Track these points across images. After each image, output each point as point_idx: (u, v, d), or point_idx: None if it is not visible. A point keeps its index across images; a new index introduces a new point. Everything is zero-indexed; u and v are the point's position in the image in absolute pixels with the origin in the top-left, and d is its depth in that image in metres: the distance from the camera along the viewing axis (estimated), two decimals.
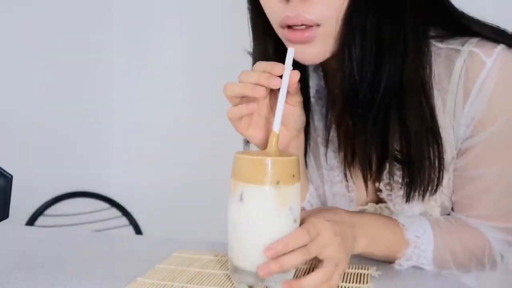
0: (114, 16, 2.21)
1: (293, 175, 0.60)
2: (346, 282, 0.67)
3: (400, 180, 0.72)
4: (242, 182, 0.60)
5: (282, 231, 0.59)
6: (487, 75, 0.67)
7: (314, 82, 0.83)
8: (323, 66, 0.81)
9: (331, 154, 0.83)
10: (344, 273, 0.69)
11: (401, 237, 0.72)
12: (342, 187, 0.83)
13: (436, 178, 0.70)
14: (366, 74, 0.66)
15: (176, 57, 2.16)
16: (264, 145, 0.69)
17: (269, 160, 0.59)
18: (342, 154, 0.76)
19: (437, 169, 0.69)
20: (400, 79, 0.66)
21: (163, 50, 2.18)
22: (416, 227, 0.72)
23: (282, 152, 0.64)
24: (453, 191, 0.76)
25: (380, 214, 0.77)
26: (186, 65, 2.14)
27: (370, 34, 0.65)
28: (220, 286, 0.65)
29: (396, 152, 0.69)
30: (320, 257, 0.61)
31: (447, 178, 0.74)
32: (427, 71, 0.68)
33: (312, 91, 0.83)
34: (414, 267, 0.73)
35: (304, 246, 0.59)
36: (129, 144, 2.28)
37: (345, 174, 0.78)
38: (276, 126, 0.62)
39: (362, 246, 0.69)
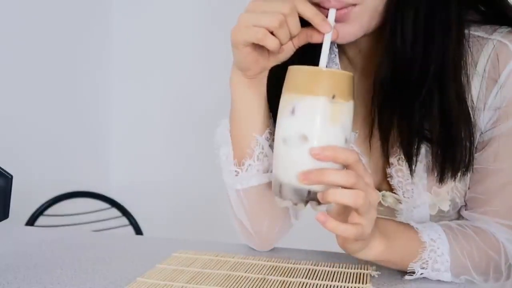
0: (114, 15, 2.21)
1: (349, 91, 0.58)
2: (346, 282, 0.67)
3: (419, 164, 0.71)
4: (296, 94, 0.58)
5: None
6: (508, 74, 0.68)
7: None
8: (346, 47, 0.79)
9: None
10: (344, 273, 0.70)
11: (417, 242, 0.68)
12: None
13: (467, 159, 0.69)
14: (418, 55, 0.66)
15: (176, 57, 2.16)
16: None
17: (326, 71, 0.58)
18: (365, 137, 0.76)
19: (468, 150, 0.69)
20: (443, 62, 0.66)
21: (163, 50, 2.18)
22: (430, 231, 0.69)
23: None
24: (469, 187, 0.75)
25: (394, 220, 0.74)
26: (186, 64, 2.14)
27: (422, 13, 0.65)
28: (220, 286, 0.65)
29: (429, 133, 0.69)
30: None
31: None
32: (467, 55, 0.68)
33: None
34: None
35: (350, 176, 0.56)
36: (129, 144, 2.28)
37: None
38: (323, 63, 0.61)
39: (377, 251, 0.65)
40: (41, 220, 1.54)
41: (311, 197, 0.58)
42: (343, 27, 0.66)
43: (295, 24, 0.63)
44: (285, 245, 0.87)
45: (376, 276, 0.69)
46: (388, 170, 0.76)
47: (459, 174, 0.70)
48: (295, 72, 0.60)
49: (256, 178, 0.75)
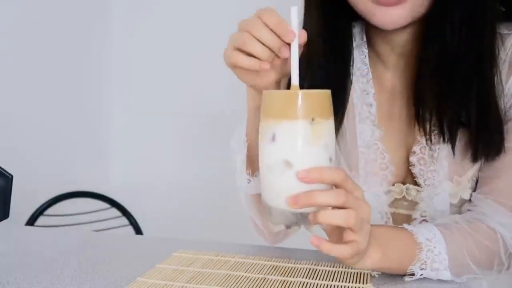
0: (115, 15, 2.21)
1: (328, 110, 0.58)
2: (346, 282, 0.67)
3: (438, 151, 0.77)
4: (274, 120, 0.57)
5: None
6: None
7: (355, 62, 0.85)
8: (378, 45, 0.83)
9: (368, 131, 0.84)
10: (344, 273, 0.69)
11: (413, 244, 0.69)
12: (376, 165, 0.84)
13: (498, 140, 0.74)
14: (462, 44, 0.72)
15: (177, 57, 2.16)
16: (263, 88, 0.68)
17: (302, 93, 0.56)
18: (389, 133, 0.82)
19: (499, 132, 0.74)
20: (482, 51, 0.72)
21: (164, 50, 2.18)
22: (424, 231, 0.70)
23: None
24: (480, 169, 0.78)
25: (388, 225, 0.76)
26: (187, 65, 2.14)
27: (466, 3, 0.71)
28: (220, 286, 0.65)
29: (466, 118, 0.74)
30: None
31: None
32: (498, 43, 0.74)
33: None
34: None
35: (340, 193, 0.57)
36: (129, 144, 2.28)
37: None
38: (294, 79, 0.59)
39: (374, 260, 0.66)
40: (41, 220, 1.54)
41: (303, 219, 0.59)
42: (395, 10, 0.71)
43: (266, 36, 0.61)
44: (285, 245, 0.87)
45: (376, 276, 0.69)
46: (411, 158, 0.80)
47: (492, 154, 0.74)
48: (270, 97, 0.59)
49: None
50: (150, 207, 2.05)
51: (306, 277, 0.68)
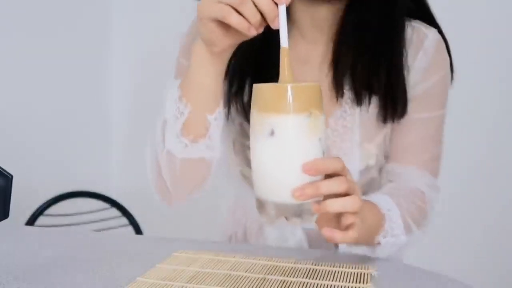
0: (114, 14, 2.21)
1: (322, 103, 0.59)
2: (346, 281, 0.67)
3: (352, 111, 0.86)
4: (273, 114, 0.57)
5: None
6: (429, 40, 0.86)
7: None
8: (299, 19, 0.88)
9: None
10: (344, 273, 0.70)
11: (379, 215, 0.74)
12: None
13: (403, 104, 0.84)
14: (377, 16, 0.83)
15: (175, 57, 2.15)
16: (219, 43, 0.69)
17: (302, 87, 0.57)
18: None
19: (404, 96, 0.84)
20: (391, 30, 0.84)
21: (164, 50, 2.17)
22: (383, 202, 0.76)
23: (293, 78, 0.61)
24: (393, 141, 0.88)
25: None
26: None
27: None
28: (220, 286, 0.65)
29: (377, 85, 0.84)
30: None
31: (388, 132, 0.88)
32: (406, 27, 0.86)
33: None
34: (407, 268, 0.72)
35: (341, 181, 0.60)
36: (129, 144, 2.27)
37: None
38: (284, 42, 0.60)
39: (359, 234, 0.68)
40: (41, 220, 1.54)
41: (304, 210, 0.59)
42: None
43: (264, 1, 0.61)
44: (285, 245, 0.87)
45: (377, 276, 0.69)
46: (327, 131, 0.85)
47: (397, 117, 0.84)
48: (267, 91, 0.59)
49: (200, 153, 0.80)
50: (150, 207, 2.04)
51: (306, 277, 0.68)
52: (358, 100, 0.84)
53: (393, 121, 0.85)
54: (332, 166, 0.59)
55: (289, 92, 0.57)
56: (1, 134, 1.70)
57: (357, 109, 0.86)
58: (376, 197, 0.78)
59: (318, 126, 0.58)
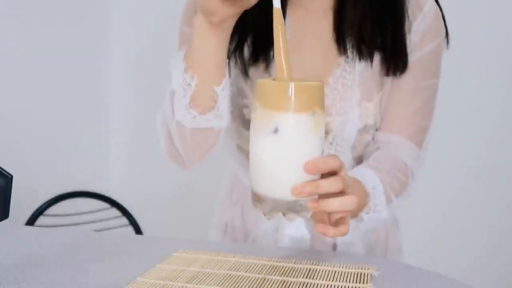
0: (114, 14, 2.21)
1: (323, 102, 0.60)
2: (346, 282, 0.67)
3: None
4: (277, 112, 0.58)
5: None
6: (429, 6, 0.87)
7: None
8: None
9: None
10: (344, 273, 0.70)
11: (364, 193, 0.76)
12: None
13: (405, 60, 0.85)
14: None
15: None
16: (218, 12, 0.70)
17: (308, 86, 0.58)
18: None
19: (405, 52, 0.86)
20: None
21: (163, 50, 2.17)
22: (368, 179, 0.78)
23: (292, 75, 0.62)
24: (388, 108, 0.89)
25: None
26: None
27: None
28: (220, 286, 0.65)
29: (381, 42, 0.85)
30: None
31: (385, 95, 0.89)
32: None
33: None
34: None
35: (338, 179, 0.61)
36: (129, 144, 2.27)
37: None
38: (276, 2, 0.60)
39: None
40: (41, 220, 1.54)
41: (301, 206, 0.61)
42: None
43: None
44: (285, 245, 0.87)
45: (377, 276, 0.69)
46: (325, 90, 0.83)
47: (398, 71, 0.86)
48: (273, 88, 0.59)
49: (209, 123, 0.82)
50: (150, 207, 2.05)
51: (306, 277, 0.68)
52: (361, 55, 0.86)
53: (394, 75, 0.86)
54: (331, 165, 0.61)
55: (295, 91, 0.57)
56: (1, 134, 1.70)
57: (357, 68, 0.86)
58: (362, 173, 0.80)
59: (320, 125, 0.59)
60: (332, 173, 0.62)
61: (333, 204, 0.61)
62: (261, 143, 0.60)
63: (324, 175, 0.61)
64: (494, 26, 1.82)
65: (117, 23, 2.22)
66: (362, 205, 0.75)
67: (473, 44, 1.75)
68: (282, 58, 0.61)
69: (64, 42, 1.97)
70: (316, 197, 0.61)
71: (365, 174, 0.79)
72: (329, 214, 0.65)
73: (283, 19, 0.61)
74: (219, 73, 0.80)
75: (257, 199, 0.62)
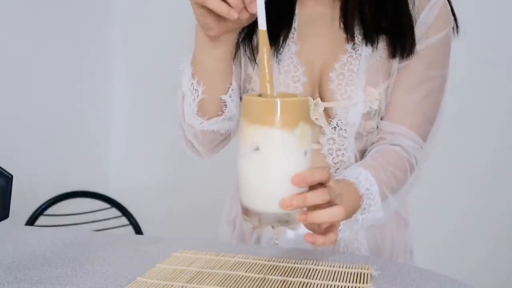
0: (114, 14, 2.21)
1: (309, 115, 0.61)
2: (346, 281, 0.67)
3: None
4: (261, 128, 0.58)
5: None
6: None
7: None
8: None
9: (285, 46, 0.89)
10: (344, 273, 0.70)
11: (357, 195, 0.75)
12: (289, 77, 0.88)
13: (411, 41, 0.85)
14: None
15: (176, 57, 2.15)
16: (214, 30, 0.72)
17: (291, 102, 0.58)
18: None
19: (412, 35, 0.85)
20: None
21: (164, 50, 2.17)
22: (363, 181, 0.77)
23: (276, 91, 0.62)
24: (392, 97, 0.88)
25: (338, 180, 0.80)
26: None
27: None
28: (220, 286, 0.65)
29: (385, 25, 0.85)
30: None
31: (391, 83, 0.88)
32: None
33: None
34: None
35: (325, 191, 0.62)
36: (129, 144, 2.28)
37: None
38: (261, 24, 0.60)
39: None
40: (41, 220, 1.54)
41: (290, 219, 0.61)
42: None
43: None
44: (285, 245, 0.87)
45: (377, 276, 0.69)
46: (331, 74, 0.87)
47: (405, 54, 0.85)
48: (255, 104, 0.60)
49: (217, 125, 0.86)
50: (150, 207, 2.05)
51: (306, 277, 0.68)
52: (368, 39, 0.86)
53: (402, 57, 0.86)
54: (318, 177, 0.61)
55: (277, 108, 0.58)
56: (1, 134, 1.70)
57: (363, 54, 0.87)
58: (357, 172, 0.79)
59: (305, 138, 0.59)
60: (321, 184, 0.62)
61: (322, 216, 0.62)
62: (246, 159, 0.60)
63: (312, 187, 0.61)
64: (498, 27, 1.82)
65: (118, 23, 2.23)
66: (355, 208, 0.75)
67: (479, 46, 1.75)
68: (267, 77, 0.61)
69: (64, 43, 1.97)
70: (305, 208, 0.62)
71: (360, 174, 0.79)
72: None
73: (268, 41, 0.61)
74: (225, 81, 0.82)
75: (246, 212, 0.62)
